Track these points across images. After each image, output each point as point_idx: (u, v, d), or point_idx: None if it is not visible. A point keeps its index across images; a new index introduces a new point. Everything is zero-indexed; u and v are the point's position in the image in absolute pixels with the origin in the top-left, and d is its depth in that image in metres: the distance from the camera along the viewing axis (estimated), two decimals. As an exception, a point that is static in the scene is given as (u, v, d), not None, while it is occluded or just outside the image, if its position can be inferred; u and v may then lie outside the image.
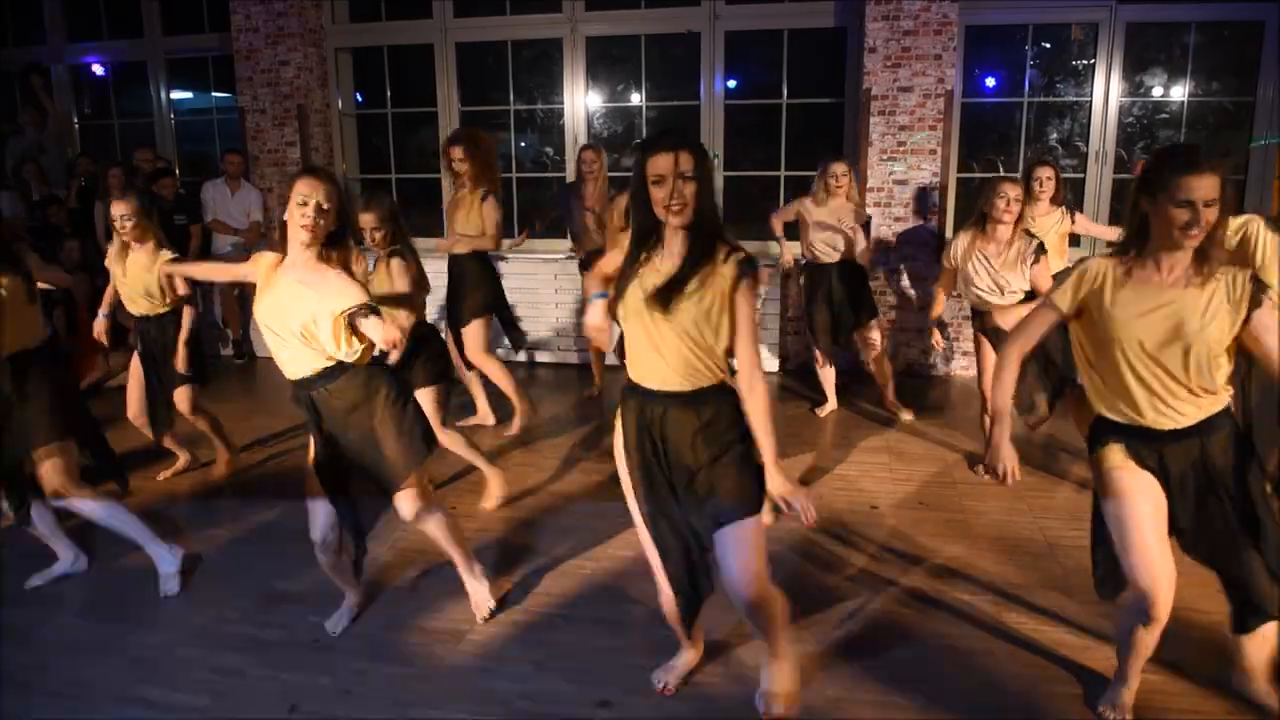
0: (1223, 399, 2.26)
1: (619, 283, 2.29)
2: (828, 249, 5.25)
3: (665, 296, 2.16)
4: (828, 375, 5.55)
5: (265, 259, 2.79)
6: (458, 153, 4.85)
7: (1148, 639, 2.40)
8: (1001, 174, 4.13)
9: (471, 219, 4.93)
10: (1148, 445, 2.29)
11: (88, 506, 3.34)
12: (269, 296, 2.72)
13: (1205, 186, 2.06)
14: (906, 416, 5.39)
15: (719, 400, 2.26)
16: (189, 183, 7.39)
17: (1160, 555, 2.27)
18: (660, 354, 2.22)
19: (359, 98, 7.82)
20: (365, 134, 7.83)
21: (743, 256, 2.19)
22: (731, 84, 6.97)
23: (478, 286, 5.03)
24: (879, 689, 2.70)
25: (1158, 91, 6.63)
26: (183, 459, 4.67)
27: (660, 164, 2.11)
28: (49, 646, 3.02)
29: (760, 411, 2.23)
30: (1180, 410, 2.24)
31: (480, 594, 3.16)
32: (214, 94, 8.01)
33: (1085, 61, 6.52)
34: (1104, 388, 2.31)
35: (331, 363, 2.73)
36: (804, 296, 5.52)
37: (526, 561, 3.55)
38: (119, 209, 4.07)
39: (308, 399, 2.78)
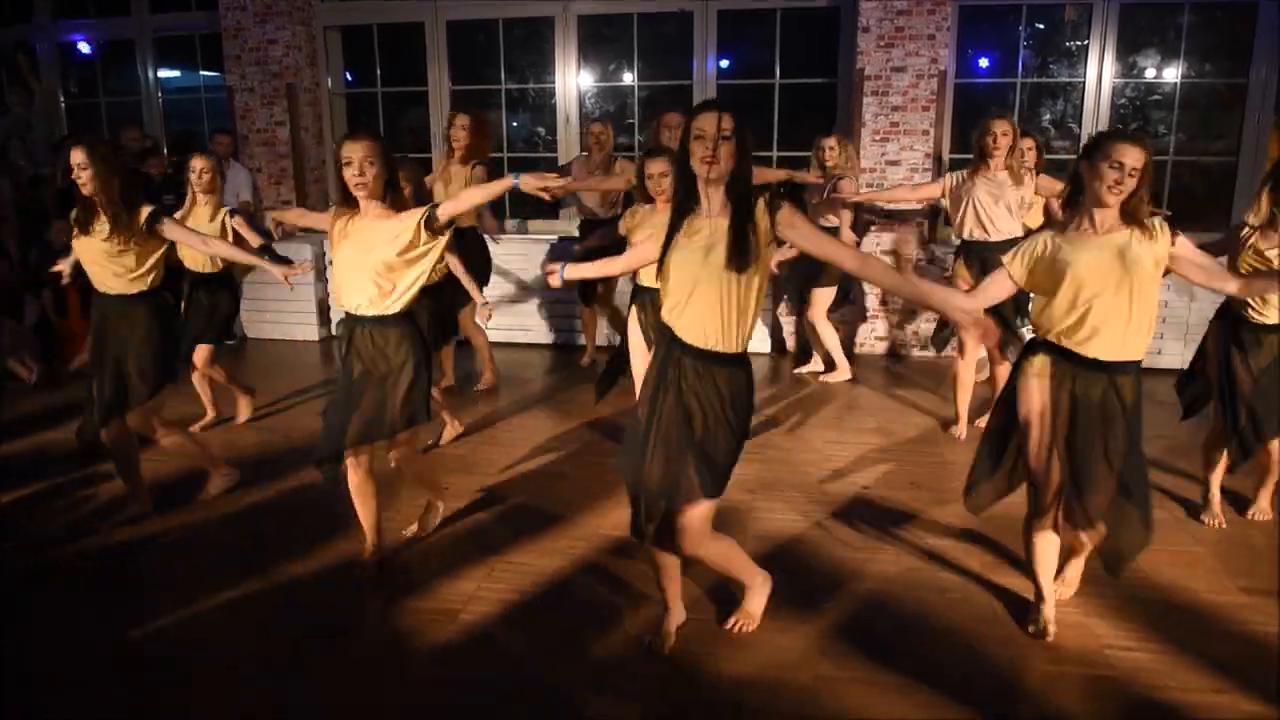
0: (1140, 350, 2.62)
1: (665, 238, 2.44)
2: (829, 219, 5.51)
3: (742, 260, 2.32)
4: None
5: (336, 215, 3.08)
6: (462, 121, 5.16)
7: (1042, 544, 2.81)
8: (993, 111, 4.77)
9: (454, 190, 5.07)
10: (1069, 366, 2.65)
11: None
12: (346, 246, 3.02)
13: (1133, 155, 2.49)
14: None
15: (734, 370, 2.45)
16: (176, 163, 7.33)
17: (1050, 454, 2.70)
18: (697, 311, 2.39)
19: (348, 76, 7.76)
20: (355, 113, 7.77)
21: (766, 195, 2.38)
22: (724, 64, 6.94)
23: (471, 265, 5.08)
24: (868, 665, 2.72)
25: (1151, 73, 6.62)
26: (210, 413, 4.99)
27: (703, 122, 2.30)
28: (40, 630, 3.03)
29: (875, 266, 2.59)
30: (1107, 343, 2.58)
31: (434, 516, 3.65)
32: (202, 73, 7.94)
33: (1079, 42, 6.50)
34: (1052, 318, 2.65)
35: (388, 311, 3.02)
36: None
37: (516, 541, 3.55)
38: (199, 163, 4.46)
39: (349, 334, 3.09)
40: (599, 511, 3.81)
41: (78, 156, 3.37)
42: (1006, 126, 4.49)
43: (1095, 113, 6.40)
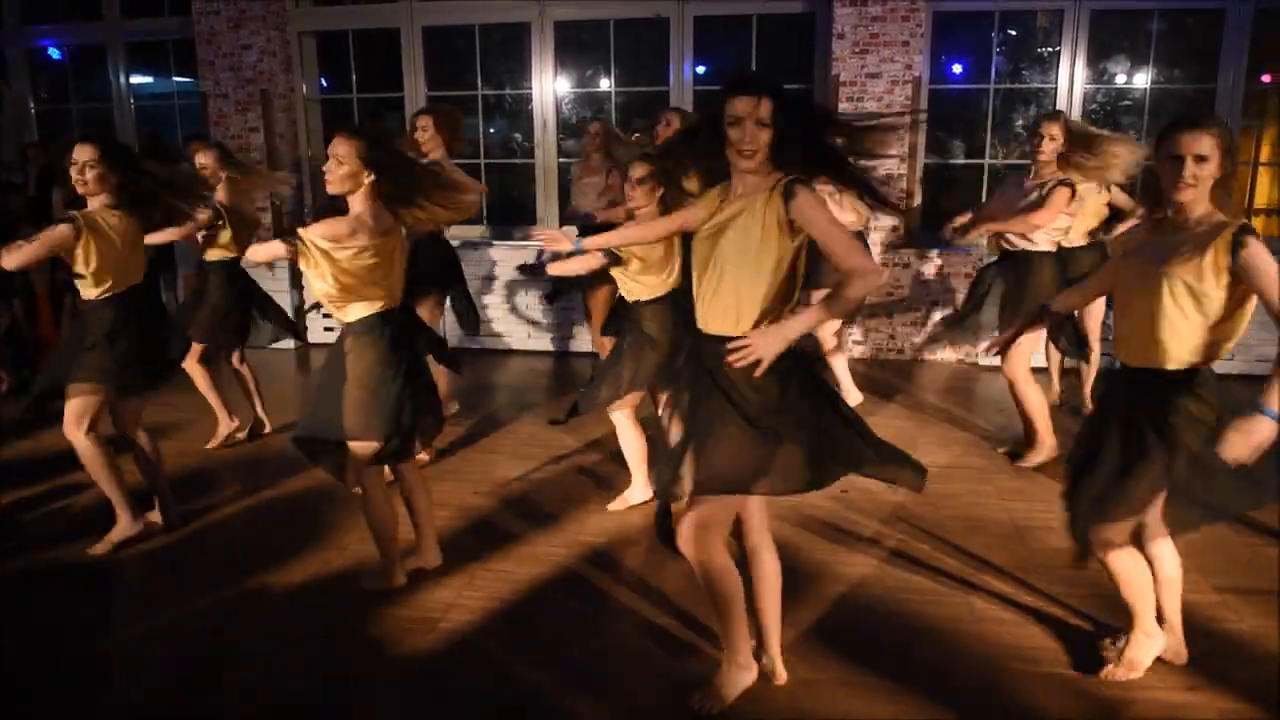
0: (1178, 359, 2.30)
1: (700, 230, 2.30)
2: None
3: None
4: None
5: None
6: (423, 122, 4.89)
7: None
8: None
9: None
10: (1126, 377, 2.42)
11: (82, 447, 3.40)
12: None
13: (1194, 142, 2.19)
14: None
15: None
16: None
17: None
18: (715, 297, 2.24)
19: (323, 82, 7.71)
20: (330, 119, 7.71)
21: (788, 179, 2.14)
22: (700, 69, 6.96)
23: (428, 264, 4.82)
24: (847, 669, 2.73)
25: (1121, 79, 6.71)
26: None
27: (739, 105, 2.11)
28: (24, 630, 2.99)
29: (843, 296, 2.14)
30: (1134, 350, 2.38)
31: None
32: (175, 79, 7.87)
33: (1050, 48, 6.58)
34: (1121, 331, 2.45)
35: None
36: None
37: (499, 548, 3.54)
38: (201, 157, 4.77)
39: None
40: (579, 518, 3.81)
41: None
42: (1056, 129, 4.15)
43: (1067, 118, 6.47)
